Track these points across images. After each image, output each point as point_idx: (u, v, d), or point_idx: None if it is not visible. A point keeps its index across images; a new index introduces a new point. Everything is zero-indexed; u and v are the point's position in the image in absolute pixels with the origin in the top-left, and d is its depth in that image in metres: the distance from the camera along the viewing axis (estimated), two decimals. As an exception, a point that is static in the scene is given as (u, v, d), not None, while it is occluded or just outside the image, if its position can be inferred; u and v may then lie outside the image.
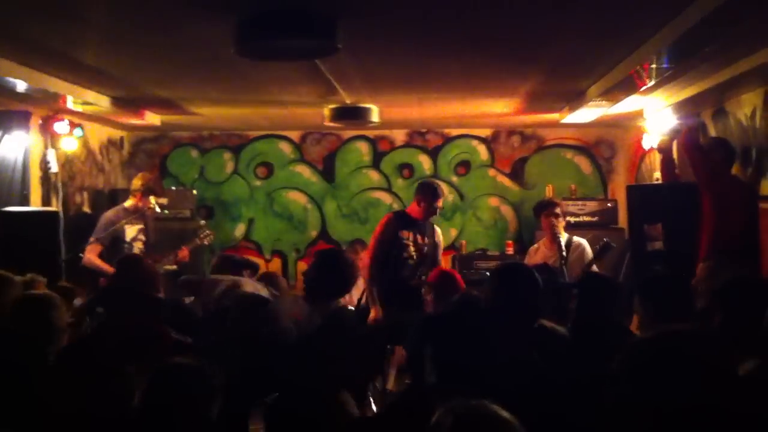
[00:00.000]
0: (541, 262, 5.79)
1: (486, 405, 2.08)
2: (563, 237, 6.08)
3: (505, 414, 2.06)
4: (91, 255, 6.35)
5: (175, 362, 2.82)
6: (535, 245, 6.57)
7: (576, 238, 6.25)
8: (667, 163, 6.89)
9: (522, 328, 3.53)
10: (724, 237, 5.51)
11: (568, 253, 5.96)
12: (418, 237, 6.06)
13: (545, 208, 6.29)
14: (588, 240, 6.30)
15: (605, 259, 6.19)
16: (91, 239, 6.45)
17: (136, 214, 6.58)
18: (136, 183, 6.73)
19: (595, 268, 5.98)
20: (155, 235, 6.94)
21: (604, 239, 5.99)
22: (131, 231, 6.61)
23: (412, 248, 6.02)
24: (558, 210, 6.21)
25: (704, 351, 2.19)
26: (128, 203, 6.72)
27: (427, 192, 6.11)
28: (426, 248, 6.07)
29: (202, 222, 8.32)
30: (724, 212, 5.58)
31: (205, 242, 7.06)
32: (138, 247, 6.66)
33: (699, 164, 5.84)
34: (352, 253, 8.15)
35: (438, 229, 6.38)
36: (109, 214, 6.64)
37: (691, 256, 5.73)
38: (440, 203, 6.14)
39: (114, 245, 6.48)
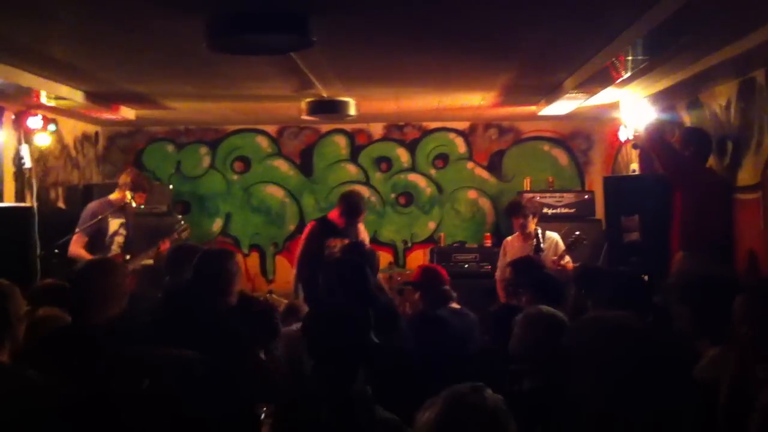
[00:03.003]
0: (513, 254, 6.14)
1: (476, 391, 2.08)
2: (538, 231, 6.45)
3: (493, 399, 2.06)
4: (76, 246, 6.33)
5: (157, 352, 2.79)
6: (509, 237, 7.01)
7: (549, 233, 6.65)
8: (645, 156, 6.92)
9: None
10: (696, 230, 5.53)
11: (542, 246, 6.38)
12: (344, 241, 6.31)
13: (513, 212, 6.76)
14: (565, 231, 6.57)
15: (577, 251, 6.55)
16: (76, 230, 6.41)
17: (120, 209, 6.56)
18: (125, 179, 6.71)
19: (567, 259, 6.26)
20: (133, 231, 6.93)
21: (576, 233, 6.33)
22: (113, 225, 6.60)
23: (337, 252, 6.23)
24: (526, 211, 6.63)
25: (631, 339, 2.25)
26: (113, 196, 6.70)
27: (349, 210, 6.52)
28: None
29: (179, 217, 8.25)
30: (697, 206, 5.59)
31: (183, 236, 7.01)
32: (118, 242, 6.65)
33: (666, 162, 5.87)
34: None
35: (360, 226, 6.77)
36: (93, 205, 6.63)
37: (668, 247, 5.78)
38: (361, 219, 6.53)
39: (96, 238, 6.46)
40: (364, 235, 6.72)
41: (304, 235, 6.65)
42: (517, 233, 6.82)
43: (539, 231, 6.44)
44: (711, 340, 3.23)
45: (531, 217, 6.64)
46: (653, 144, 6.00)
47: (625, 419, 2.18)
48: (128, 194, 6.70)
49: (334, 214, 6.56)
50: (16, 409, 2.80)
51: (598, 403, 2.22)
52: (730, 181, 5.72)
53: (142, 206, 7.09)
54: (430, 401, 2.08)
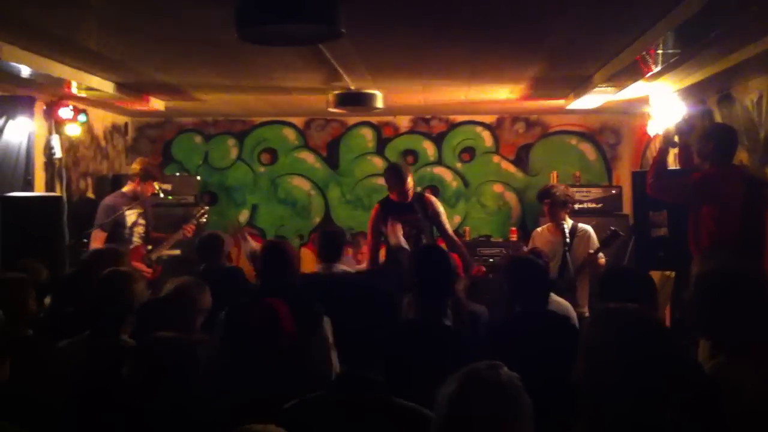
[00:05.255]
0: (542, 247, 5.88)
1: (492, 367, 2.14)
2: (567, 224, 6.11)
3: (508, 375, 2.11)
4: (96, 243, 6.38)
5: (158, 336, 2.88)
6: (539, 228, 6.62)
7: (581, 225, 6.27)
8: (684, 150, 6.58)
9: None
10: (724, 233, 5.36)
11: (572, 239, 5.99)
12: (408, 216, 6.19)
13: (546, 195, 6.29)
14: (593, 227, 6.29)
15: (612, 247, 6.20)
16: (95, 227, 6.47)
17: (135, 199, 6.62)
18: (135, 168, 6.78)
19: (601, 255, 5.99)
20: (156, 219, 7.00)
21: (612, 228, 6.01)
22: (131, 216, 6.65)
23: (406, 228, 6.12)
24: (558, 194, 6.20)
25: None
26: (126, 188, 6.77)
27: (389, 179, 6.36)
28: (418, 222, 6.21)
29: (204, 208, 8.33)
30: (723, 210, 5.41)
31: (202, 220, 7.06)
32: (138, 232, 6.70)
33: (681, 199, 5.62)
34: (355, 246, 8.18)
35: (432, 199, 6.57)
36: (108, 200, 6.69)
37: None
38: (407, 184, 6.24)
39: (115, 231, 6.51)
40: (435, 206, 6.41)
41: (370, 218, 6.51)
42: (546, 225, 6.46)
43: (569, 224, 6.12)
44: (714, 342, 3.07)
45: (563, 204, 6.22)
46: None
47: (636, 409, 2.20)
48: (156, 185, 6.78)
49: (391, 194, 6.38)
50: None
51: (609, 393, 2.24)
52: (760, 178, 5.64)
53: (170, 197, 7.17)
54: (451, 377, 2.14)
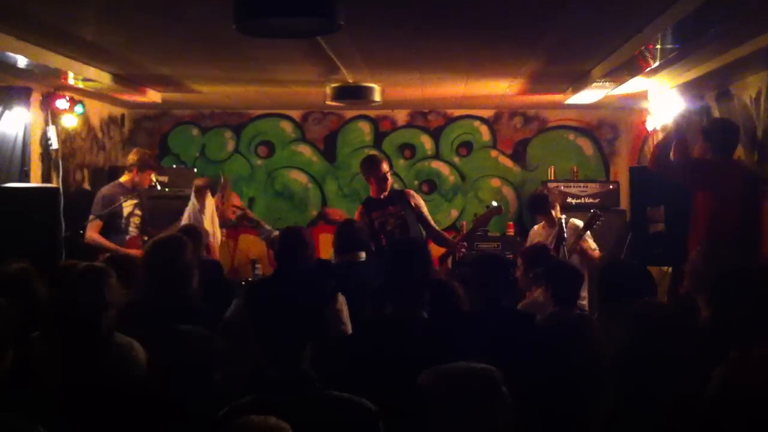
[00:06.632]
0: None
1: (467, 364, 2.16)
2: (563, 220, 6.33)
3: (481, 366, 2.14)
4: (93, 232, 6.45)
5: (175, 329, 2.91)
6: (535, 227, 6.98)
7: (572, 220, 6.59)
8: (681, 145, 6.61)
9: None
10: (721, 226, 5.40)
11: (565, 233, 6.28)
12: (389, 209, 6.39)
13: (536, 210, 6.78)
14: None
15: (594, 226, 6.49)
16: (91, 216, 6.49)
17: (132, 190, 6.64)
18: (132, 158, 6.79)
19: (587, 237, 6.26)
20: (152, 211, 6.98)
21: (592, 210, 6.49)
22: (127, 206, 6.68)
23: (391, 221, 6.34)
24: (548, 208, 6.57)
25: None
26: (124, 179, 6.79)
27: (364, 168, 6.57)
28: (402, 213, 6.37)
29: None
30: (721, 203, 5.46)
31: None
32: (135, 222, 6.72)
33: (680, 176, 5.76)
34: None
35: (413, 193, 6.74)
36: (104, 190, 6.72)
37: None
38: (382, 168, 6.42)
39: (111, 221, 6.54)
40: (415, 199, 6.57)
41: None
42: (542, 222, 6.84)
43: (563, 219, 6.34)
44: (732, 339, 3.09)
45: (553, 209, 6.58)
46: (662, 164, 5.85)
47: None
48: (153, 176, 6.77)
49: (371, 191, 6.57)
50: None
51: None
52: (758, 174, 5.64)
53: (167, 189, 7.16)
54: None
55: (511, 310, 4.26)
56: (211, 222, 6.77)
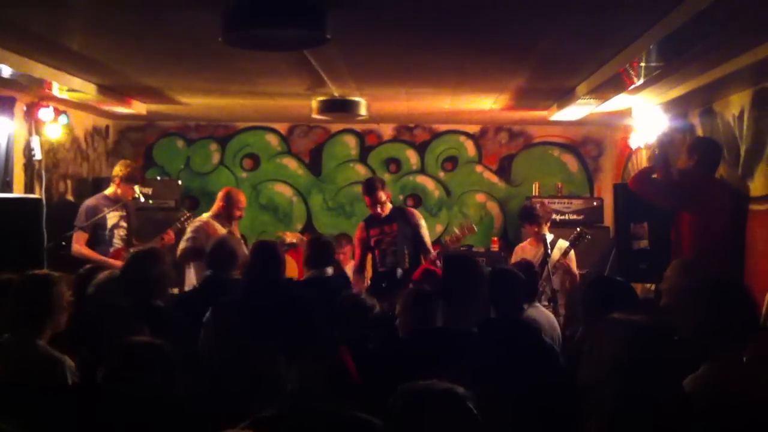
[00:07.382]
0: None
1: (436, 383, 2.23)
2: (549, 237, 6.40)
3: (455, 389, 2.18)
4: (79, 244, 6.46)
5: (133, 341, 2.95)
6: (522, 243, 6.92)
7: (560, 241, 6.57)
8: (664, 163, 6.65)
9: None
10: (709, 245, 5.41)
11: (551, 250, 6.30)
12: (385, 228, 6.56)
13: (527, 219, 6.67)
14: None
15: (581, 247, 6.55)
16: (75, 228, 6.46)
17: (117, 202, 6.63)
18: (117, 170, 6.77)
19: (572, 256, 6.26)
20: (138, 223, 6.96)
21: (578, 228, 6.47)
22: (112, 218, 6.66)
23: (386, 239, 6.55)
24: (540, 219, 6.51)
25: None
26: (109, 191, 6.78)
27: (363, 188, 6.71)
28: (396, 233, 6.54)
29: (187, 213, 8.28)
30: (709, 221, 5.49)
31: (186, 225, 7.03)
32: (120, 234, 6.70)
33: (661, 199, 5.84)
34: (337, 247, 8.17)
35: (414, 211, 6.95)
36: (89, 201, 6.71)
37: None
38: (378, 195, 6.54)
39: (95, 233, 6.52)
40: (416, 219, 6.72)
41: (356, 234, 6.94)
42: (529, 239, 6.77)
43: (550, 238, 6.39)
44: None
45: (543, 224, 6.57)
46: (645, 188, 5.92)
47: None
48: (136, 189, 6.76)
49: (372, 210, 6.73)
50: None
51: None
52: (742, 191, 5.68)
53: (151, 201, 7.13)
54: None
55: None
56: None
